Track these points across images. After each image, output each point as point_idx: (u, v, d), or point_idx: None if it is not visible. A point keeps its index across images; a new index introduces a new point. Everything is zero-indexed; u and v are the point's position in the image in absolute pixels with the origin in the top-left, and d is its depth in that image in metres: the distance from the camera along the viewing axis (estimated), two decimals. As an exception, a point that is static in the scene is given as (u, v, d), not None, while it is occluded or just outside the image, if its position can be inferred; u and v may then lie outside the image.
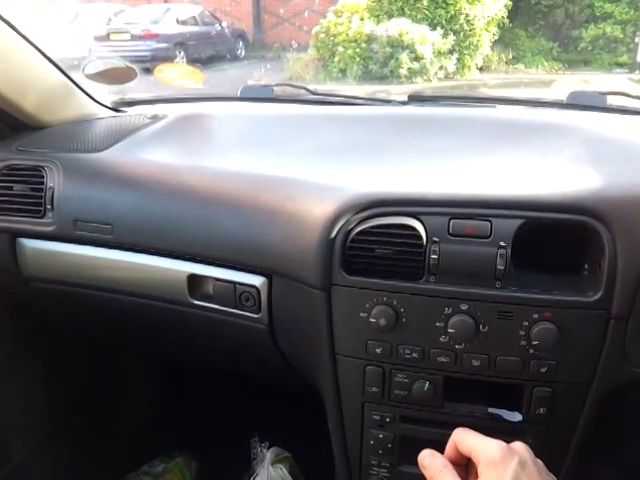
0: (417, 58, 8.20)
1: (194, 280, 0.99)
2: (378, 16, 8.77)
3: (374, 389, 0.87)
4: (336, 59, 8.65)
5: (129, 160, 1.09)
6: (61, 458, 1.40)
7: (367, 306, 0.82)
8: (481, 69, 9.07)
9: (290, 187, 0.92)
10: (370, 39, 8.41)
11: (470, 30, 8.71)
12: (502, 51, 9.36)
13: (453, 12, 8.59)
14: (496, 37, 9.16)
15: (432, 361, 0.83)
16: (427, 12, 8.64)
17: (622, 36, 9.38)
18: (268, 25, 12.51)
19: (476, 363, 0.81)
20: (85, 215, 1.03)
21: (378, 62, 8.32)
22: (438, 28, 8.52)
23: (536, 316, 0.77)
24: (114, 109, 1.37)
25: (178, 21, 10.60)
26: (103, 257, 1.04)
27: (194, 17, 11.01)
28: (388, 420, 0.90)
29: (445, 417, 0.86)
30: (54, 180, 1.05)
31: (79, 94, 1.28)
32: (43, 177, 1.06)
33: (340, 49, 8.56)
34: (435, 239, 0.79)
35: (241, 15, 12.36)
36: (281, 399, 1.44)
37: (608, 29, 9.35)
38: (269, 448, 1.34)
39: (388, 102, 1.38)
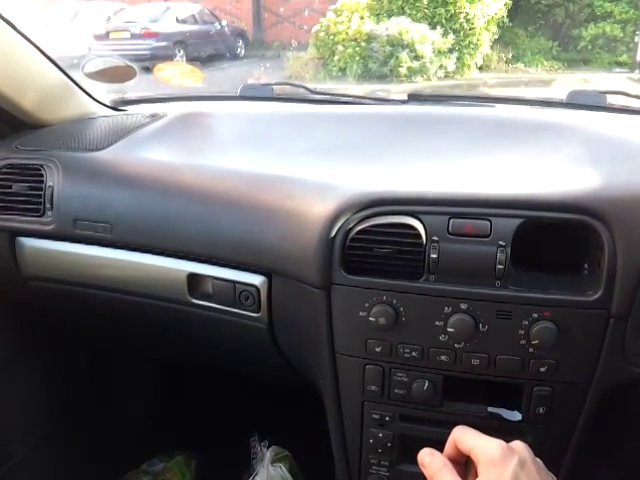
0: (417, 57, 8.19)
1: (194, 279, 0.99)
2: (378, 15, 8.76)
3: (374, 388, 0.87)
4: (336, 58, 8.64)
5: (129, 159, 1.09)
6: (61, 457, 1.40)
7: (367, 305, 0.82)
8: (481, 68, 9.06)
9: (290, 186, 0.92)
10: (370, 38, 8.40)
11: (470, 29, 8.71)
12: (502, 50, 9.35)
13: (453, 11, 8.59)
14: (496, 36, 9.16)
15: (432, 360, 0.83)
16: (427, 11, 8.63)
17: (622, 35, 9.37)
18: (268, 24, 12.50)
19: (475, 362, 0.81)
20: (84, 214, 1.03)
21: (378, 61, 8.32)
22: (438, 27, 8.52)
23: (536, 315, 0.77)
24: (113, 108, 1.37)
25: (178, 20, 10.59)
26: (102, 256, 1.04)
27: (194, 16, 10.99)
28: (388, 419, 0.90)
29: (444, 416, 0.86)
30: (53, 179, 1.05)
31: (79, 93, 1.27)
32: (42, 176, 1.06)
33: (340, 48, 8.56)
34: (435, 238, 0.79)
35: (241, 14, 12.35)
36: (281, 398, 1.44)
37: (608, 28, 9.34)
38: (269, 447, 1.34)
39: (388, 101, 1.39)
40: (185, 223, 0.97)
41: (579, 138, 1.01)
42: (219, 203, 0.95)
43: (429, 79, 8.32)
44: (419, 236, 0.79)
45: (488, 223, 0.78)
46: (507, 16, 9.27)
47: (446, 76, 8.55)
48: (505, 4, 9.05)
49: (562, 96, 1.29)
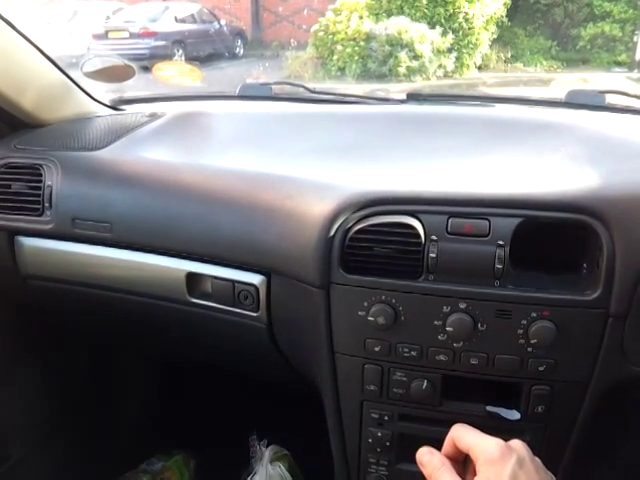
0: (416, 57, 8.20)
1: (193, 278, 0.99)
2: (377, 14, 8.76)
3: (372, 387, 0.87)
4: (335, 57, 8.64)
5: (127, 158, 1.09)
6: (60, 457, 1.40)
7: (366, 304, 0.82)
8: (480, 68, 9.07)
9: (289, 185, 0.92)
10: (369, 37, 8.40)
11: (469, 29, 8.71)
12: (501, 50, 9.36)
13: (452, 10, 8.60)
14: (495, 36, 9.17)
15: (430, 359, 0.83)
16: (426, 10, 8.64)
17: (621, 35, 9.38)
18: (267, 23, 12.49)
19: (474, 361, 0.81)
20: (83, 213, 1.03)
21: (377, 60, 8.32)
22: (437, 27, 8.53)
23: (534, 315, 0.78)
24: (112, 107, 1.37)
25: (176, 19, 10.59)
26: (102, 255, 1.04)
27: (193, 15, 10.99)
28: (386, 418, 0.90)
29: (443, 415, 0.86)
30: (52, 178, 1.05)
31: (77, 92, 1.27)
32: (41, 175, 1.06)
33: (339, 47, 8.56)
34: (433, 238, 0.79)
35: (240, 13, 12.35)
36: (280, 397, 1.44)
37: (607, 28, 9.35)
38: (268, 446, 1.34)
39: (387, 100, 1.39)
40: (184, 222, 0.97)
41: (578, 138, 1.01)
42: (218, 203, 0.95)
43: (428, 79, 8.32)
44: (418, 235, 0.79)
45: (487, 222, 0.78)
46: (506, 16, 9.28)
47: (445, 76, 8.56)
48: (504, 4, 9.06)
49: (561, 96, 1.29)
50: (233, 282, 0.95)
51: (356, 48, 8.44)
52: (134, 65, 1.32)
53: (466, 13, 8.62)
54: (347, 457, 0.97)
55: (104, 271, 1.07)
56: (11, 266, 1.12)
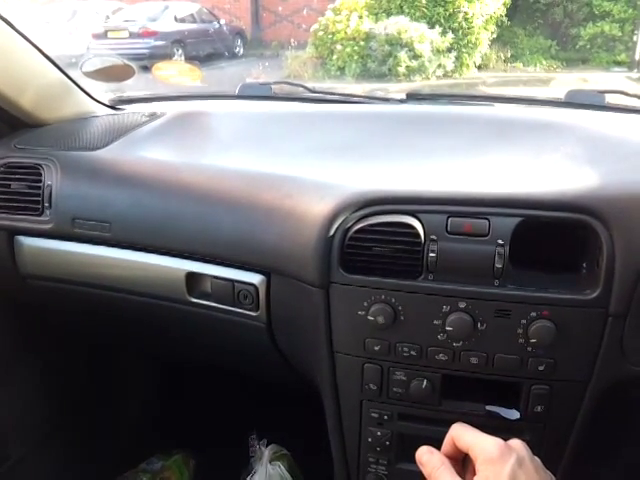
0: (415, 56, 8.19)
1: (192, 278, 0.99)
2: (377, 14, 8.76)
3: (372, 387, 0.87)
4: (334, 57, 8.64)
5: (127, 158, 1.09)
6: (60, 457, 1.40)
7: (365, 304, 0.82)
8: (479, 67, 9.07)
9: (288, 185, 0.92)
10: (369, 37, 8.40)
11: (469, 28, 8.71)
12: (500, 49, 9.36)
13: (452, 10, 8.59)
14: (494, 35, 9.17)
15: (430, 359, 0.83)
16: (426, 10, 8.63)
17: (620, 34, 9.38)
18: (266, 23, 12.49)
19: (474, 361, 0.81)
20: (83, 213, 1.03)
21: (377, 60, 8.31)
22: (437, 26, 8.52)
23: (534, 314, 0.78)
24: (112, 107, 1.37)
25: (176, 19, 10.58)
26: (101, 255, 1.04)
27: (192, 15, 10.98)
28: (386, 418, 0.90)
29: (443, 415, 0.86)
30: (52, 178, 1.05)
31: (77, 92, 1.27)
32: (41, 175, 1.06)
33: (339, 47, 8.55)
34: (433, 237, 0.79)
35: (239, 13, 12.34)
36: (279, 397, 1.44)
37: (606, 27, 9.35)
38: (267, 446, 1.34)
39: (386, 100, 1.39)
40: (184, 222, 0.97)
41: (578, 137, 1.01)
42: (218, 202, 0.95)
43: (428, 78, 8.32)
44: (418, 235, 0.79)
45: (486, 222, 0.78)
46: (506, 15, 9.27)
47: (445, 75, 8.56)
48: (504, 3, 9.05)
49: (561, 95, 1.29)
50: (233, 282, 0.95)
51: (356, 48, 8.44)
52: (134, 65, 1.32)
53: (466, 13, 8.62)
54: (347, 456, 0.97)
55: (104, 271, 1.07)
56: (11, 266, 1.12)
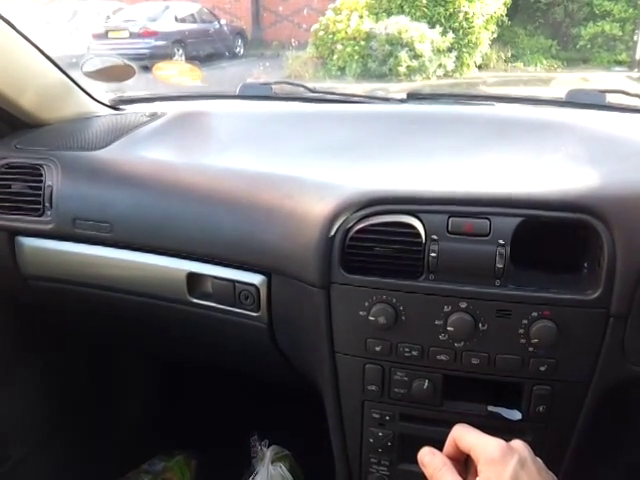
0: (416, 56, 8.20)
1: (193, 278, 0.99)
2: (377, 14, 8.76)
3: (373, 387, 0.87)
4: (335, 57, 8.64)
5: (128, 158, 1.09)
6: (60, 457, 1.40)
7: (366, 304, 0.82)
8: (480, 67, 9.07)
9: (289, 185, 0.92)
10: (369, 37, 8.40)
11: (469, 28, 8.71)
12: (501, 49, 9.36)
13: (452, 10, 8.59)
14: (495, 35, 9.17)
15: (431, 359, 0.83)
16: (426, 10, 8.63)
17: (621, 34, 9.38)
18: (267, 23, 12.49)
19: (475, 361, 0.81)
20: (84, 213, 1.03)
21: (377, 60, 8.32)
22: (437, 26, 8.53)
23: (535, 314, 0.77)
24: (112, 107, 1.37)
25: (177, 19, 10.59)
26: (102, 255, 1.04)
27: (193, 15, 10.99)
28: (388, 418, 0.90)
29: (444, 415, 0.86)
30: (53, 178, 1.05)
31: (77, 92, 1.27)
32: (41, 175, 1.06)
33: (339, 47, 8.56)
34: (434, 237, 0.79)
35: (240, 13, 12.35)
36: (281, 397, 1.44)
37: (607, 27, 9.35)
38: (269, 446, 1.34)
39: (387, 100, 1.38)
40: (184, 222, 0.96)
41: (578, 137, 1.01)
42: (218, 202, 0.95)
43: (428, 78, 8.32)
44: (418, 235, 0.79)
45: (487, 222, 0.77)
46: (506, 15, 9.27)
47: (445, 75, 8.56)
48: (504, 3, 9.05)
49: (561, 95, 1.28)
50: (233, 282, 0.95)
51: (356, 47, 8.45)
52: (134, 65, 1.32)
53: (466, 12, 8.62)
54: (348, 457, 0.97)
55: (104, 271, 1.07)
56: (11, 266, 1.12)
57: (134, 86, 1.40)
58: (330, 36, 8.70)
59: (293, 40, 10.22)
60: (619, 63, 9.23)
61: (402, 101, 1.33)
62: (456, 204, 0.80)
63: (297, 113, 1.34)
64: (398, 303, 0.81)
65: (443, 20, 8.62)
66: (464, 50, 8.74)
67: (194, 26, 10.74)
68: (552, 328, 0.77)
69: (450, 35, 8.50)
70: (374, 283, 0.82)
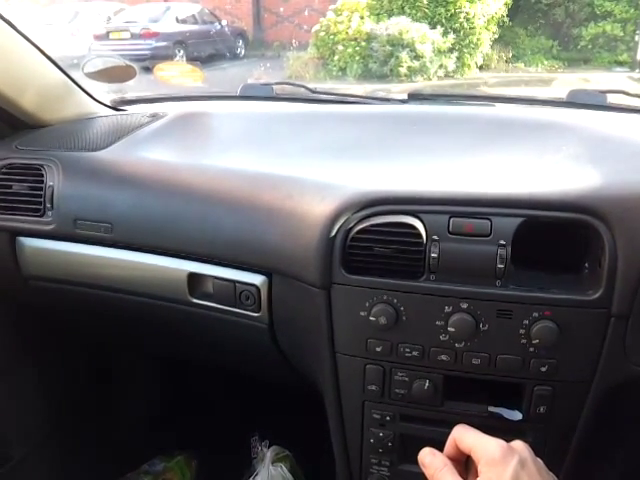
0: (417, 57, 8.20)
1: (194, 279, 0.99)
2: (378, 14, 8.77)
3: (374, 388, 0.87)
4: (336, 58, 8.65)
5: (129, 159, 1.09)
6: (61, 457, 1.40)
7: (367, 305, 0.82)
8: (481, 68, 9.07)
9: (290, 186, 0.92)
10: (370, 37, 8.41)
11: (470, 29, 8.71)
12: (502, 50, 9.36)
13: (453, 10, 8.59)
14: (496, 36, 9.16)
15: (432, 360, 0.83)
16: (427, 10, 8.63)
17: (622, 34, 9.38)
18: (268, 24, 12.50)
19: (476, 362, 0.81)
20: (85, 214, 1.03)
21: (378, 61, 8.32)
22: (438, 27, 8.52)
23: (536, 315, 0.77)
24: (114, 108, 1.37)
25: (178, 20, 10.61)
26: (103, 256, 1.04)
27: (194, 16, 11.01)
28: (388, 419, 0.89)
29: (445, 416, 0.86)
30: (54, 179, 1.05)
31: (79, 93, 1.27)
32: (43, 176, 1.06)
33: (340, 48, 8.56)
34: (435, 237, 0.79)
35: (241, 14, 12.36)
36: (281, 398, 1.44)
37: (608, 27, 9.35)
38: (269, 447, 1.34)
39: (388, 100, 1.39)
40: (185, 223, 0.97)
41: (579, 137, 1.01)
42: (219, 203, 0.95)
43: (429, 78, 8.32)
44: (419, 235, 0.79)
45: (488, 222, 0.77)
46: (507, 15, 9.27)
47: (446, 75, 8.56)
48: (505, 3, 9.05)
49: (562, 95, 1.29)
50: (234, 282, 0.95)
51: (357, 48, 8.45)
52: (135, 65, 1.32)
53: (467, 13, 8.62)
54: (349, 458, 0.97)
55: (105, 272, 1.07)
56: (13, 267, 1.12)
57: (135, 87, 1.40)
58: (331, 37, 8.70)
59: (294, 41, 10.23)
60: (620, 64, 9.23)
61: (403, 102, 1.33)
62: (457, 204, 0.80)
63: (298, 114, 1.34)
64: (399, 303, 0.81)
65: (444, 21, 8.62)
66: (465, 51, 8.74)
67: (195, 27, 10.75)
68: (553, 328, 0.77)
69: (451, 36, 8.50)
70: (375, 283, 0.82)
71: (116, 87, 1.43)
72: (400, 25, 8.23)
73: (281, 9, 12.02)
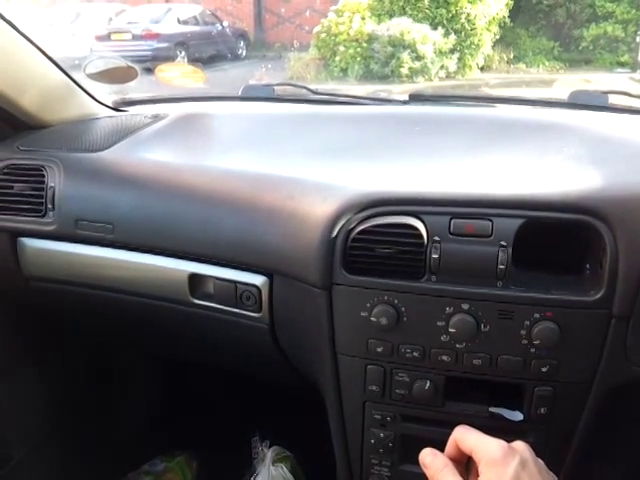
0: (418, 57, 8.20)
1: (195, 279, 0.99)
2: (379, 15, 8.78)
3: (375, 388, 0.87)
4: (337, 58, 8.65)
5: (130, 160, 1.09)
6: (62, 457, 1.40)
7: (368, 305, 0.82)
8: (482, 68, 9.08)
9: (291, 186, 0.92)
10: (371, 38, 8.42)
11: (471, 29, 8.72)
12: (503, 50, 9.36)
13: (454, 11, 8.60)
14: (497, 36, 9.17)
15: (433, 360, 0.83)
16: (428, 11, 8.64)
17: (623, 35, 9.38)
18: (269, 25, 12.52)
19: (477, 362, 0.81)
20: (86, 214, 1.03)
21: (379, 61, 8.33)
22: (439, 27, 8.54)
23: (537, 315, 0.77)
24: (115, 109, 1.37)
25: (179, 21, 10.62)
26: (104, 256, 1.04)
27: (195, 17, 11.03)
28: (389, 419, 0.89)
29: (446, 416, 0.86)
30: (55, 179, 1.05)
31: (80, 94, 1.28)
32: (44, 176, 1.06)
33: (341, 48, 8.57)
34: (436, 238, 0.79)
35: (242, 14, 12.37)
36: (282, 398, 1.44)
37: (609, 28, 9.35)
38: (270, 447, 1.34)
39: (389, 101, 1.39)
40: (186, 223, 0.97)
41: (581, 138, 1.01)
42: (221, 204, 0.95)
43: (430, 79, 8.33)
44: (420, 236, 0.79)
45: (489, 223, 0.77)
46: (508, 16, 9.28)
47: (447, 76, 8.57)
48: (506, 4, 9.06)
49: (564, 96, 1.28)
50: (235, 283, 0.95)
51: (358, 49, 8.46)
52: (137, 66, 1.33)
53: (468, 14, 8.63)
54: (349, 458, 0.97)
55: (106, 272, 1.07)
56: (14, 267, 1.12)
57: (136, 88, 1.40)
58: (332, 38, 8.71)
59: (295, 42, 10.24)
60: (621, 64, 9.23)
61: (404, 102, 1.34)
62: (458, 205, 0.80)
63: (299, 115, 1.34)
64: (400, 304, 0.81)
65: (445, 22, 8.63)
66: (466, 51, 8.74)
67: (196, 28, 10.77)
68: (554, 329, 0.77)
69: (452, 37, 8.51)
70: (376, 284, 0.82)
71: (117, 88, 1.43)
72: (401, 26, 8.24)
73: (282, 10, 12.03)
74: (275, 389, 1.43)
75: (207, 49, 10.34)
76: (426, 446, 0.70)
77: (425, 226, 0.79)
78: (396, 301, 0.81)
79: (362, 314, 0.83)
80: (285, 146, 1.11)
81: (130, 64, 1.32)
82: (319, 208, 0.85)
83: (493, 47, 9.16)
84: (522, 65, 9.33)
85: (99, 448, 1.46)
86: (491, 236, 0.77)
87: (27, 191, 1.08)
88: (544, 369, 0.80)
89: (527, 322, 0.78)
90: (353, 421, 0.93)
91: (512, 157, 0.96)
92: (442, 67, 8.48)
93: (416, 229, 0.79)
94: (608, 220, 0.75)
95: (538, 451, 0.66)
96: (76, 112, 1.27)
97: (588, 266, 0.81)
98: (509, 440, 0.66)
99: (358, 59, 8.45)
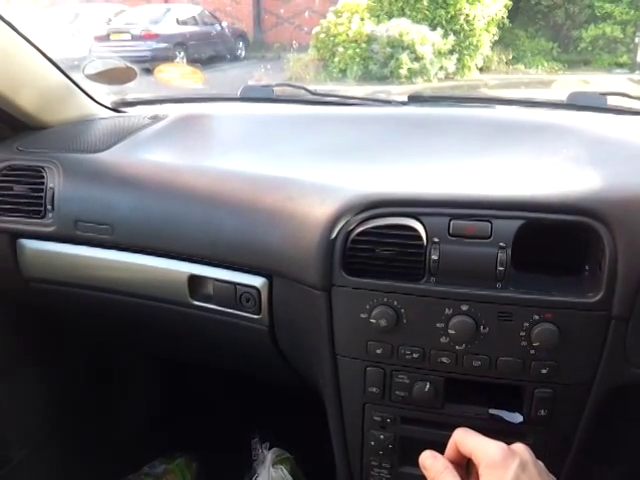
0: (417, 58, 8.20)
1: (195, 281, 0.99)
2: (378, 16, 8.77)
3: (375, 390, 0.87)
4: (336, 59, 8.65)
5: (129, 160, 1.09)
6: (61, 458, 1.40)
7: (367, 307, 0.82)
8: (481, 69, 9.07)
9: (290, 188, 0.92)
10: (370, 39, 8.41)
11: (470, 30, 8.72)
12: (502, 51, 9.36)
13: (453, 12, 8.60)
14: (496, 37, 9.17)
15: (433, 362, 0.83)
16: (427, 12, 8.64)
17: (622, 36, 9.38)
18: (268, 25, 12.52)
19: (476, 364, 0.81)
20: (86, 215, 1.03)
21: (378, 62, 8.33)
22: (438, 28, 8.53)
23: (537, 317, 0.77)
24: (114, 109, 1.37)
25: (178, 21, 10.62)
26: (103, 257, 1.04)
27: (194, 17, 11.02)
28: (389, 421, 0.89)
29: (446, 418, 0.86)
30: (54, 180, 1.05)
31: (79, 94, 1.28)
32: (43, 177, 1.06)
33: (340, 49, 8.57)
34: (435, 240, 0.79)
35: (241, 15, 12.37)
36: (282, 400, 1.44)
37: (608, 29, 9.35)
38: (270, 449, 1.34)
39: (388, 102, 1.38)
40: (186, 225, 0.97)
41: (579, 139, 1.01)
42: (220, 205, 0.95)
43: (429, 80, 8.33)
44: (420, 237, 0.79)
45: (489, 224, 0.77)
46: (507, 17, 9.27)
47: (446, 77, 8.56)
48: (505, 5, 9.06)
49: (562, 97, 1.28)
50: (235, 284, 0.95)
51: (357, 50, 8.45)
52: (136, 67, 1.32)
53: (467, 15, 8.62)
54: (349, 460, 0.97)
55: (106, 273, 1.07)
56: (13, 268, 1.12)
57: (136, 88, 1.40)
58: (331, 38, 8.71)
59: (294, 42, 10.24)
60: (620, 65, 9.23)
61: (403, 103, 1.34)
62: (457, 207, 0.80)
63: (298, 115, 1.34)
64: (399, 306, 0.81)
65: (444, 22, 8.62)
66: (465, 52, 8.74)
67: (195, 29, 10.76)
68: (553, 331, 0.77)
69: (451, 37, 8.51)
70: (375, 285, 0.82)
71: (116, 89, 1.43)
72: (400, 27, 8.24)
73: (281, 11, 12.03)
74: (275, 389, 1.43)
75: (206, 50, 10.34)
76: (426, 448, 0.70)
77: (424, 227, 0.79)
78: (395, 303, 0.81)
79: (361, 315, 0.82)
80: (284, 147, 1.11)
81: (129, 65, 1.32)
82: (318, 209, 0.85)
83: (492, 48, 9.15)
84: (521, 66, 9.33)
85: (99, 448, 1.46)
86: (490, 237, 0.77)
87: (26, 192, 1.08)
88: (544, 371, 0.80)
89: (526, 324, 0.78)
90: (353, 423, 0.93)
91: (511, 158, 0.96)
92: (441, 68, 8.47)
93: (415, 230, 0.79)
94: (607, 221, 0.75)
95: (538, 453, 0.66)
96: (75, 113, 1.27)
97: (587, 267, 0.81)
98: (509, 442, 0.66)
99: (357, 60, 8.45)
